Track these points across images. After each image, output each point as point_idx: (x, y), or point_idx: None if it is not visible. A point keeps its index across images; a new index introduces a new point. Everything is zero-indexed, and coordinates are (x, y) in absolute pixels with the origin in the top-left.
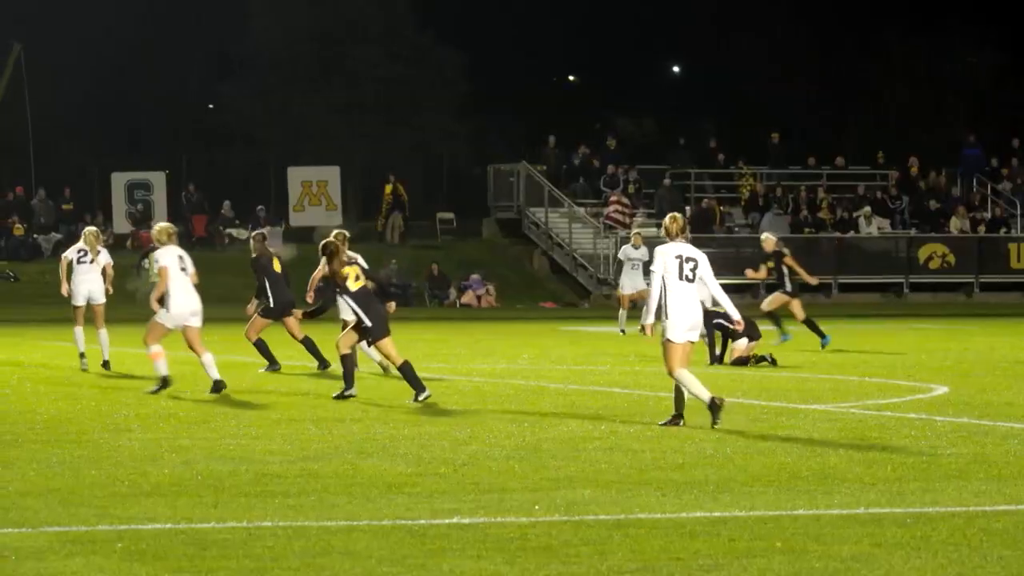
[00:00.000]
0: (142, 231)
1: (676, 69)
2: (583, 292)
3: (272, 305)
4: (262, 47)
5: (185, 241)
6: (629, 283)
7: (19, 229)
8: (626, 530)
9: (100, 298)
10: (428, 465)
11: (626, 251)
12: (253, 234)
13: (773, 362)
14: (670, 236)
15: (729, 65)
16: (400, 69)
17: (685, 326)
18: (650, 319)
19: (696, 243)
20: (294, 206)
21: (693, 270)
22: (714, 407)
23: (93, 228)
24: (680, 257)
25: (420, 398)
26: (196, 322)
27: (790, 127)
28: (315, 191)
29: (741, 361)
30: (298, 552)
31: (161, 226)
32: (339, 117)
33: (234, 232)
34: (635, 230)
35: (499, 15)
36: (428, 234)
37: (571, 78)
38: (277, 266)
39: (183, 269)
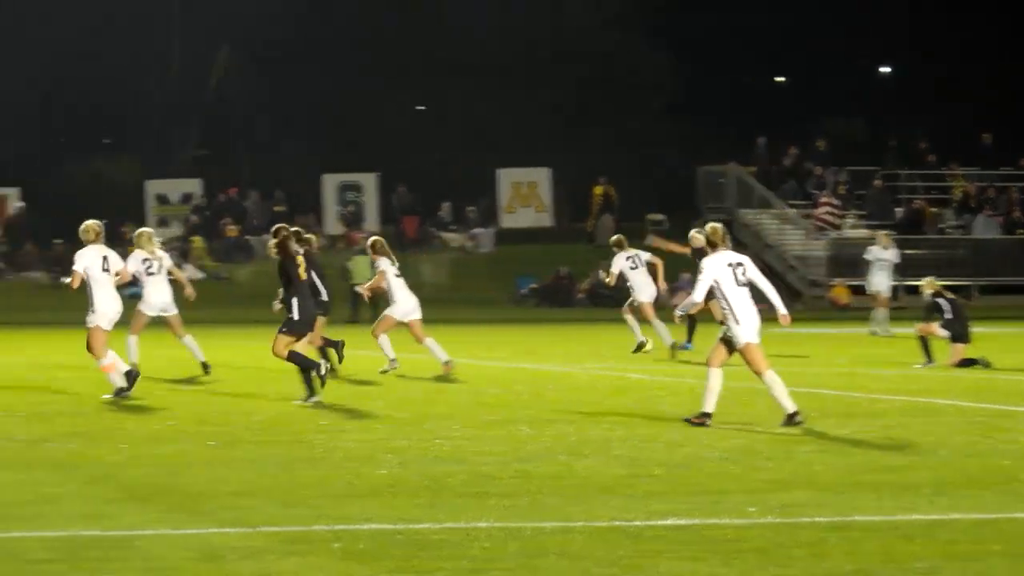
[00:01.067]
0: (353, 232)
1: (886, 69)
2: (793, 293)
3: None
4: (475, 49)
5: (396, 242)
6: (879, 283)
7: (232, 230)
8: (842, 532)
9: (173, 308)
10: (643, 467)
11: (875, 252)
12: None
13: (987, 365)
14: (715, 246)
15: (941, 65)
16: (612, 70)
17: (755, 328)
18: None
19: (906, 245)
20: (505, 208)
21: (744, 274)
22: (791, 421)
23: (147, 229)
24: (731, 265)
25: (308, 401)
26: (108, 325)
27: (1002, 128)
28: (525, 192)
29: (964, 363)
30: (513, 553)
31: (87, 224)
32: (550, 118)
33: (445, 235)
34: (882, 232)
35: (710, 15)
36: (638, 236)
37: (780, 79)
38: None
39: (106, 270)
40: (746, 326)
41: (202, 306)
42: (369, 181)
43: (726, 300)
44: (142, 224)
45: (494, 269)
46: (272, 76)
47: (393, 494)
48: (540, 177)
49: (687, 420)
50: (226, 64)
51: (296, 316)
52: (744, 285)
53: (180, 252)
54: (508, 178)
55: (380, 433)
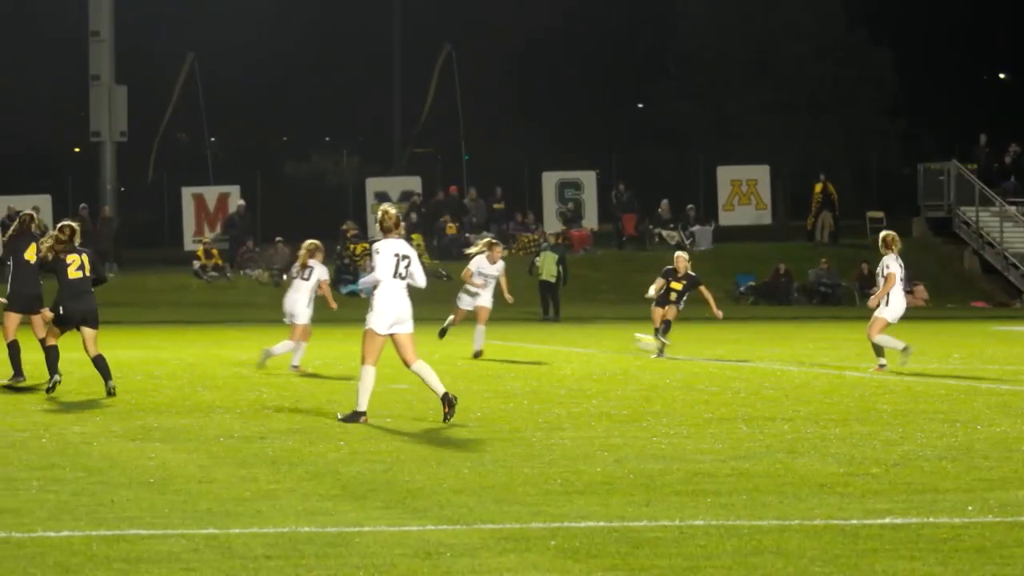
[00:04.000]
0: (573, 230)
1: None
2: (1014, 292)
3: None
4: (694, 47)
5: (616, 239)
6: None
7: (452, 228)
8: None
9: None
10: (859, 465)
11: None
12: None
13: None
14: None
15: None
16: (831, 68)
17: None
18: None
19: None
20: (724, 205)
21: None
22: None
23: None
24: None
25: (49, 386)
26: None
27: None
28: (745, 190)
29: None
30: (730, 551)
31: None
32: (769, 116)
33: (664, 233)
34: None
35: (930, 12)
36: (858, 233)
37: (1003, 76)
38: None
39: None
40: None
41: (423, 303)
42: (588, 179)
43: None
44: (361, 222)
45: (712, 267)
46: (491, 73)
47: (609, 492)
48: (760, 174)
49: None
50: (445, 62)
51: None
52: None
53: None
54: (727, 175)
55: (596, 431)
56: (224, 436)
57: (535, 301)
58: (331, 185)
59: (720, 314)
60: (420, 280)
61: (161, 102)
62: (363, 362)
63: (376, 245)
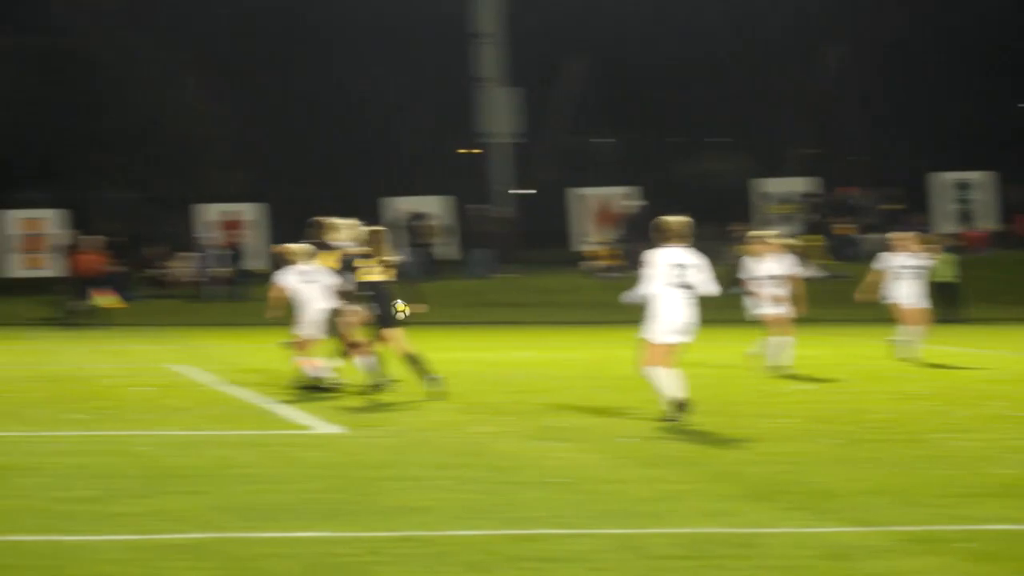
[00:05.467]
0: (967, 230)
1: None
2: None
3: None
4: None
5: (1012, 240)
6: None
7: (846, 229)
8: None
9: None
10: None
11: None
12: None
13: None
14: None
15: None
16: None
17: None
18: None
19: None
20: None
21: None
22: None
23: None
24: None
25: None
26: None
27: None
28: None
29: None
30: None
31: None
32: None
33: None
34: None
35: None
36: None
37: None
38: None
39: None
40: None
41: (823, 304)
42: (983, 179)
43: None
44: (749, 224)
45: None
46: (883, 73)
47: (1020, 494)
48: None
49: None
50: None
51: None
52: None
53: (798, 252)
54: None
55: (1001, 433)
56: (625, 436)
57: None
58: (718, 186)
59: None
60: (708, 288)
61: (550, 102)
62: (647, 366)
63: (649, 254)
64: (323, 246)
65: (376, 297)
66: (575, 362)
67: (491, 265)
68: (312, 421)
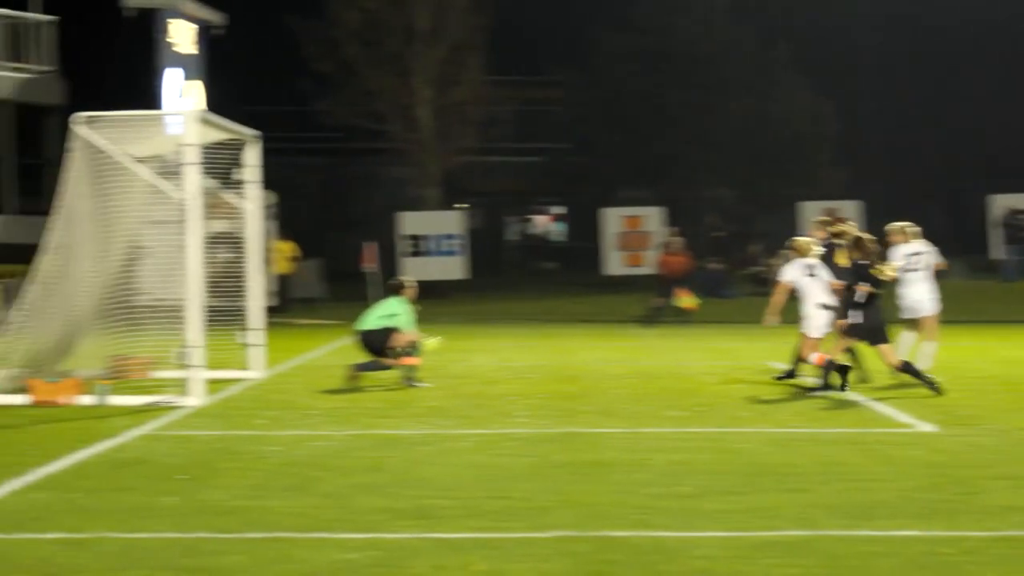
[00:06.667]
0: None
1: None
2: None
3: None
4: None
5: None
6: None
7: None
8: None
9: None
10: None
11: None
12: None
13: None
14: None
15: None
16: None
17: None
18: None
19: None
20: None
21: None
22: None
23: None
24: None
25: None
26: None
27: None
28: None
29: None
30: None
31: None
32: None
33: None
34: None
35: None
36: None
37: None
38: None
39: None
40: None
41: None
42: None
43: None
44: None
45: None
46: None
47: None
48: None
49: None
50: None
51: None
52: None
53: None
54: None
55: None
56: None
57: None
58: None
59: None
60: None
61: None
62: None
63: None
64: (835, 245)
65: (868, 305)
66: None
67: None
68: (911, 420)
